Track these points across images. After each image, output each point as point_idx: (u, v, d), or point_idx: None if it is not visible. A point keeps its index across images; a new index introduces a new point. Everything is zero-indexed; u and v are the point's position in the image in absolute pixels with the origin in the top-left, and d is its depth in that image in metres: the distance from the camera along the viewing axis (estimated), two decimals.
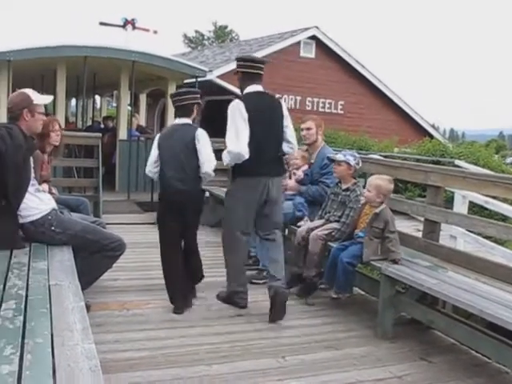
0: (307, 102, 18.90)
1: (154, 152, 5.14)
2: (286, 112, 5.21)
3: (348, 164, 5.37)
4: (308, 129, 6.09)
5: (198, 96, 5.37)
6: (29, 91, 4.37)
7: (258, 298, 5.32)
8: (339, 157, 5.45)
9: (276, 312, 4.75)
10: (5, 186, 4.04)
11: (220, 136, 10.59)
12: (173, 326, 4.49)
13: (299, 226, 5.67)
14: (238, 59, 5.16)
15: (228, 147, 4.81)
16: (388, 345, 4.39)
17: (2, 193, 4.07)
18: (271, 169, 4.89)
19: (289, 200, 5.98)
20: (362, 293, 5.55)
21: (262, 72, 5.08)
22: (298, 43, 18.77)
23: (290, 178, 6.10)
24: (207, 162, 4.95)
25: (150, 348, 4.00)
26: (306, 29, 18.94)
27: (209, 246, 7.03)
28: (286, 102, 18.51)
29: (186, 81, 11.97)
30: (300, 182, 6.03)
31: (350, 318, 4.92)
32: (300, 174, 6.03)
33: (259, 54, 17.83)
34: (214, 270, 6.22)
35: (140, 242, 7.02)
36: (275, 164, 4.97)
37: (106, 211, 8.05)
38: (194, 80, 11.26)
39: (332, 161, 5.53)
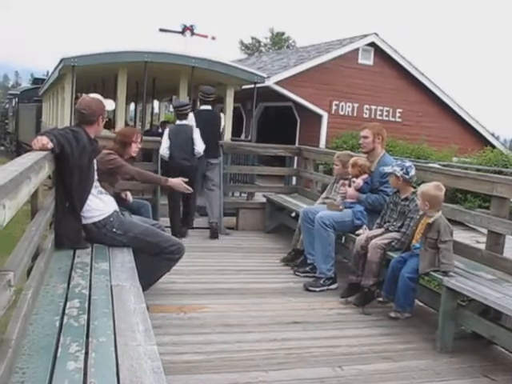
0: (364, 110, 18.70)
1: (167, 141, 7.84)
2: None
3: (395, 175, 5.31)
4: (364, 137, 6.03)
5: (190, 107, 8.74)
6: (101, 98, 4.51)
7: (315, 305, 5.29)
8: (387, 169, 5.43)
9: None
10: (69, 187, 4.15)
11: (276, 141, 10.64)
12: (229, 331, 4.49)
13: (358, 235, 5.61)
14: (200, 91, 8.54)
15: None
16: (448, 359, 4.28)
17: (66, 194, 4.18)
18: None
19: (348, 208, 5.93)
20: (421, 304, 5.43)
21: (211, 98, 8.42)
22: (356, 50, 18.60)
23: (350, 185, 6.04)
24: (199, 145, 7.82)
25: (206, 352, 4.02)
26: (365, 35, 18.77)
27: (266, 251, 7.03)
28: (343, 110, 18.38)
29: (244, 87, 12.03)
30: (359, 190, 5.97)
31: (408, 330, 4.82)
32: (359, 182, 5.97)
33: (317, 61, 17.81)
34: (270, 276, 6.25)
35: (196, 245, 7.09)
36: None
37: (163, 214, 8.15)
38: (252, 86, 11.31)
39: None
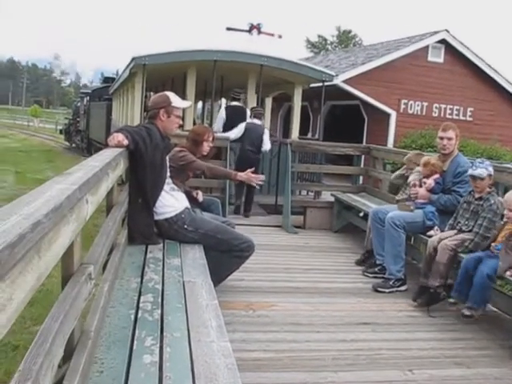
0: (434, 109, 18.28)
1: (240, 133, 9.22)
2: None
3: (490, 176, 5.15)
4: (449, 139, 5.82)
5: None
6: (170, 94, 4.58)
7: (384, 307, 5.21)
8: (479, 172, 5.16)
9: None
10: (143, 184, 4.24)
11: (342, 140, 10.53)
12: (298, 330, 4.48)
13: (429, 236, 5.48)
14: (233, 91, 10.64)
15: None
16: None
17: (139, 190, 4.27)
18: None
19: (419, 208, 5.81)
20: (495, 309, 5.26)
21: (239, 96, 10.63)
22: (426, 47, 18.19)
23: (421, 186, 5.91)
24: (266, 145, 9.37)
25: (275, 350, 4.02)
26: (436, 32, 18.34)
27: (333, 251, 6.97)
28: (412, 108, 18.03)
29: (312, 85, 11.97)
30: (431, 190, 5.83)
31: (481, 335, 4.67)
32: (431, 182, 5.83)
33: (386, 59, 17.54)
34: (339, 276, 6.19)
35: (264, 243, 7.09)
36: None
37: (232, 212, 8.22)
38: (320, 84, 11.24)
39: (472, 176, 5.26)
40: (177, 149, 5.50)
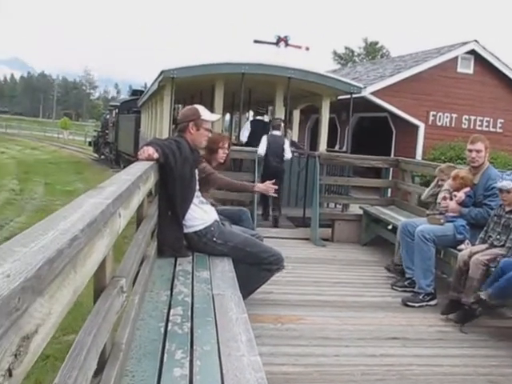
0: (463, 120, 18.08)
1: (264, 146, 9.54)
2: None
3: None
4: (478, 151, 5.76)
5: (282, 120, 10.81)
6: (199, 107, 4.62)
7: (414, 321, 5.15)
8: (506, 184, 5.13)
9: None
10: (172, 197, 4.27)
11: (370, 152, 10.49)
12: (326, 344, 4.45)
13: (459, 250, 5.42)
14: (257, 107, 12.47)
15: None
16: None
17: (169, 203, 4.30)
18: None
19: (449, 222, 5.75)
20: None
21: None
22: (455, 58, 18.03)
23: (451, 199, 5.85)
24: (288, 154, 9.69)
25: (304, 364, 4.00)
26: (465, 43, 18.18)
27: (362, 264, 6.92)
28: (441, 120, 17.88)
29: (339, 97, 11.97)
30: (462, 203, 5.76)
31: None
32: (461, 195, 5.77)
33: (414, 70, 17.43)
34: (367, 290, 6.14)
35: (292, 256, 7.07)
36: None
37: (259, 225, 8.23)
38: (348, 96, 11.23)
39: (499, 189, 5.22)
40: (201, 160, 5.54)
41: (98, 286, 2.19)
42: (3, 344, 0.89)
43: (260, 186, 5.65)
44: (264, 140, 9.64)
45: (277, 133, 9.83)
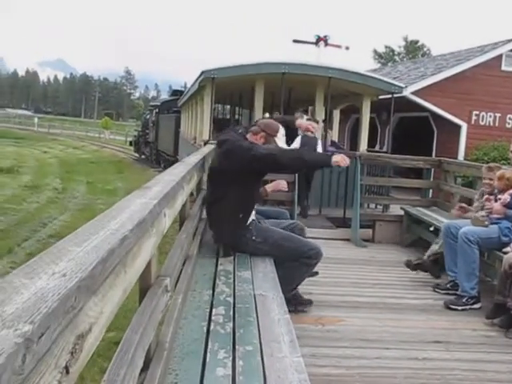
0: (507, 120, 17.68)
1: (297, 145, 9.31)
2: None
3: None
4: None
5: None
6: (281, 129, 4.91)
7: (457, 325, 5.07)
8: None
9: None
10: (250, 198, 4.37)
11: (410, 153, 10.36)
12: (367, 346, 4.41)
13: (505, 253, 5.31)
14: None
15: None
16: None
17: (243, 205, 4.40)
18: None
19: (494, 224, 5.63)
20: None
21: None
22: (500, 56, 17.63)
23: (496, 200, 5.74)
24: None
25: (346, 366, 3.97)
26: (509, 40, 17.76)
27: (401, 265, 6.82)
28: (484, 120, 17.54)
29: (380, 97, 11.87)
30: (507, 205, 5.64)
31: None
32: (506, 197, 5.65)
33: (456, 69, 17.14)
34: (408, 292, 6.07)
35: (332, 257, 7.03)
36: None
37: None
38: (389, 96, 11.13)
39: None
40: None
41: (144, 284, 2.22)
42: (61, 342, 0.91)
43: (269, 186, 5.71)
44: (297, 141, 9.56)
45: (310, 134, 9.65)
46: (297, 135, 9.60)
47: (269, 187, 5.72)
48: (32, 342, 0.77)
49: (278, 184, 5.71)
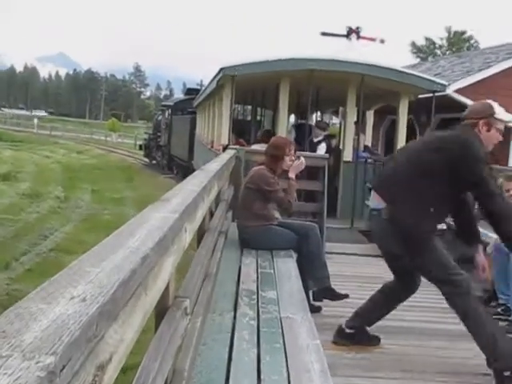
0: None
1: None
2: None
3: None
4: None
5: None
6: (493, 103, 4.52)
7: None
8: None
9: None
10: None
11: None
12: (408, 377, 4.37)
13: None
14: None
15: None
16: None
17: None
18: None
19: None
20: None
21: None
22: None
23: None
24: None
25: None
26: None
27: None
28: None
29: (420, 96, 11.80)
30: None
31: None
32: None
33: (508, 64, 16.98)
34: (454, 316, 6.00)
35: (367, 275, 7.01)
36: None
37: (328, 239, 8.18)
38: (430, 95, 11.06)
39: None
40: (261, 167, 5.60)
41: (161, 306, 2.22)
42: (82, 374, 0.92)
43: (293, 168, 5.85)
44: (323, 147, 9.88)
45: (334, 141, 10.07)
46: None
47: (291, 173, 5.81)
48: (55, 376, 0.78)
49: (298, 164, 5.80)
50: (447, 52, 54.79)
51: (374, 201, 4.52)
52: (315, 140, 11.10)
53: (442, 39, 61.28)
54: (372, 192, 4.65)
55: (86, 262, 1.24)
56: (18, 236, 13.49)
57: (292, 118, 21.75)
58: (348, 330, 4.66)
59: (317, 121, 11.56)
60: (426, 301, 6.41)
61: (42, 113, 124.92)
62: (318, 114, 18.90)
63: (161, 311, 2.22)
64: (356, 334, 4.71)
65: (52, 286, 1.05)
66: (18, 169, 27.58)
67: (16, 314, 0.91)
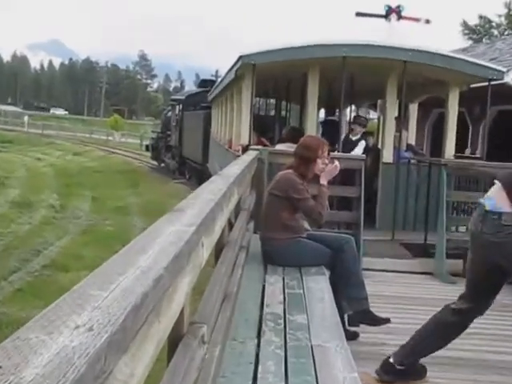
0: None
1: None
2: None
3: None
4: None
5: None
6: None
7: None
8: None
9: None
10: None
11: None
12: None
13: None
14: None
15: None
16: None
17: None
18: None
19: None
20: None
21: None
22: None
23: None
24: None
25: None
26: None
27: (506, 309, 6.71)
28: None
29: (473, 85, 11.72)
30: None
31: None
32: None
33: None
34: None
35: (409, 296, 6.98)
36: None
37: (365, 253, 8.17)
38: (485, 84, 10.97)
39: None
40: (290, 173, 5.59)
41: (174, 334, 2.22)
42: None
43: (325, 173, 5.85)
44: (362, 145, 9.97)
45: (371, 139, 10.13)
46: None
47: (323, 177, 5.86)
48: None
49: (333, 168, 5.86)
50: (506, 32, 54.21)
51: (495, 201, 4.30)
52: (354, 138, 11.11)
53: (499, 16, 60.49)
54: (496, 189, 4.40)
55: (92, 285, 1.24)
56: (7, 251, 13.58)
57: (322, 113, 21.77)
58: (398, 367, 4.57)
59: (355, 116, 11.48)
60: (486, 327, 6.34)
61: (61, 111, 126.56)
62: (353, 108, 18.89)
63: (174, 340, 2.22)
64: (406, 371, 4.63)
65: (53, 312, 1.06)
66: (6, 173, 27.84)
67: (14, 346, 0.91)
